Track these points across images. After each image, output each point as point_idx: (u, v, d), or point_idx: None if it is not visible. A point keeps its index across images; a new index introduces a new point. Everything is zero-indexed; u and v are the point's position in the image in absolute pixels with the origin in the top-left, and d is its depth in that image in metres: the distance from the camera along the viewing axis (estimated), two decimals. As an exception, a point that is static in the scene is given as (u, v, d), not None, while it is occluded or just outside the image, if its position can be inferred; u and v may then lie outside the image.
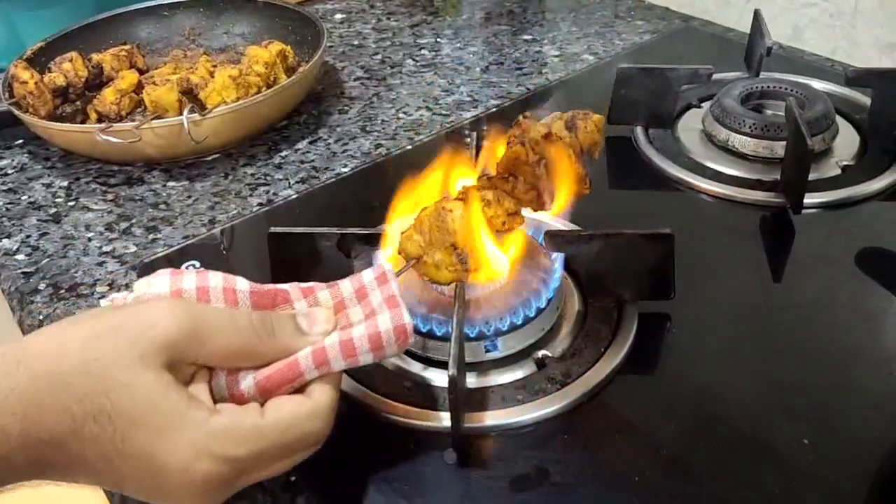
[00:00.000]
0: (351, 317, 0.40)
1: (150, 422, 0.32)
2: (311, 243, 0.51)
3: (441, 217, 0.44)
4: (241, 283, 0.39)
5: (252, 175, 0.70)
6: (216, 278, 0.39)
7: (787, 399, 0.45)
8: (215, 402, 0.35)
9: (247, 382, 0.36)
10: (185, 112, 0.65)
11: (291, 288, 0.40)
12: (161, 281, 0.38)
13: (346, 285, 0.41)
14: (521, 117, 0.51)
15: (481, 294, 0.48)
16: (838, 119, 0.67)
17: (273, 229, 0.51)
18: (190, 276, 0.39)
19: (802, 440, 0.42)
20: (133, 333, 0.33)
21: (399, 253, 0.45)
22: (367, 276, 0.41)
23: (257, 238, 0.61)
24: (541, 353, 0.48)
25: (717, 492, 0.40)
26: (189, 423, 0.33)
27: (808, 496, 0.40)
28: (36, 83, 0.72)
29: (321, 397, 0.37)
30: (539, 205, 0.47)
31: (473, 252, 0.44)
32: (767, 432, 0.43)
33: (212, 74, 0.74)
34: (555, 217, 0.55)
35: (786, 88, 0.68)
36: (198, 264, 0.58)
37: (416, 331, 0.47)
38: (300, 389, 0.37)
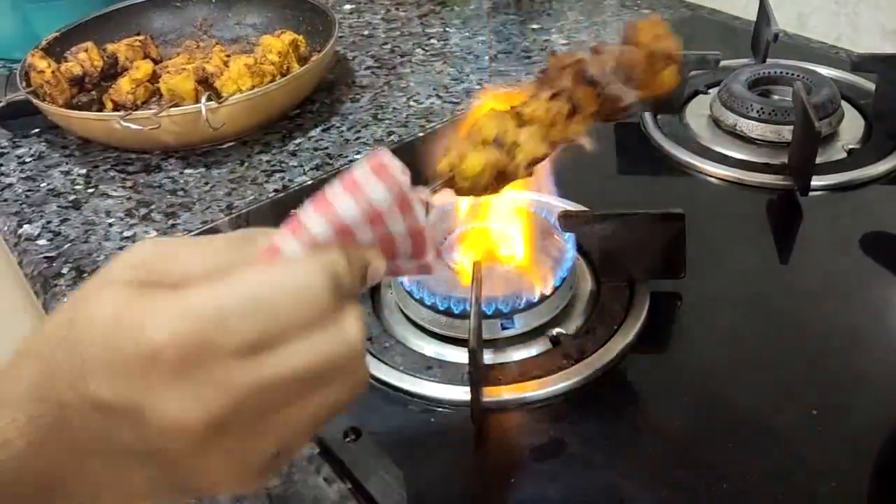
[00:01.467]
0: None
1: (107, 324, 0.26)
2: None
3: (472, 131, 0.39)
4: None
5: (267, 162, 0.71)
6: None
7: (794, 378, 0.46)
8: None
9: None
10: (203, 99, 0.66)
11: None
12: None
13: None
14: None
15: (498, 273, 0.49)
16: (843, 104, 0.68)
17: (295, 212, 0.52)
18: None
19: (810, 416, 0.43)
20: (109, 268, 0.28)
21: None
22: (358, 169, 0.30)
23: (276, 223, 0.62)
24: (555, 330, 0.49)
25: (726, 465, 0.42)
26: (147, 297, 0.26)
27: (812, 472, 0.41)
28: (53, 72, 0.73)
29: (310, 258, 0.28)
30: (618, 108, 0.41)
31: (513, 140, 0.39)
32: (774, 410, 0.44)
33: (226, 64, 0.76)
34: (562, 200, 0.56)
35: (792, 74, 0.69)
36: (217, 248, 0.59)
37: (435, 308, 0.49)
38: None
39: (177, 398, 0.25)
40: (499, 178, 0.39)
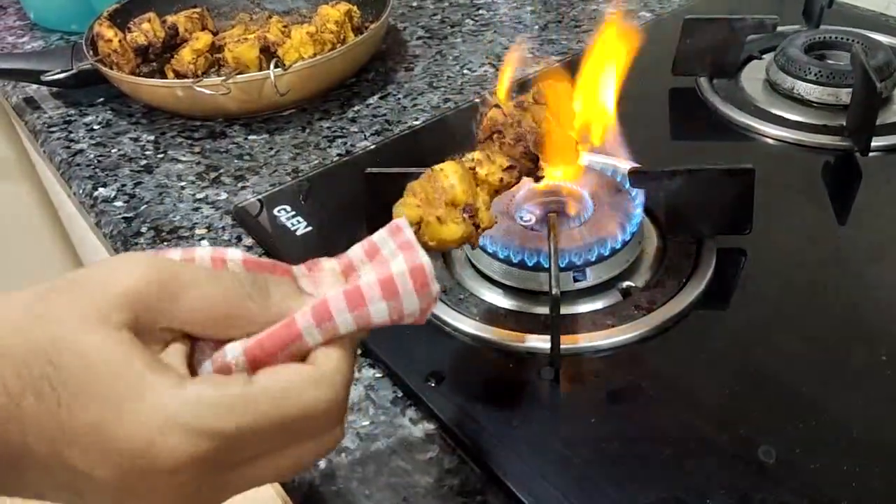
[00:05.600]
0: (361, 276, 0.32)
1: (102, 389, 0.25)
2: (403, 182, 0.54)
3: (433, 178, 0.42)
4: (233, 253, 0.32)
5: (328, 128, 0.73)
6: (203, 250, 0.32)
7: (853, 340, 0.47)
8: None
9: (234, 351, 0.29)
10: (272, 65, 0.68)
11: (294, 267, 0.33)
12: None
13: (355, 250, 0.34)
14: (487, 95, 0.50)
15: (569, 227, 0.51)
16: (898, 69, 0.68)
17: (369, 170, 0.54)
18: (174, 250, 0.32)
19: (876, 363, 0.45)
20: (88, 288, 0.27)
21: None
22: (378, 234, 0.34)
23: (341, 184, 0.64)
24: (625, 283, 0.51)
25: (789, 408, 0.43)
26: (154, 388, 0.26)
27: (863, 442, 0.42)
28: (120, 41, 0.75)
29: (327, 362, 0.29)
30: (530, 164, 0.45)
31: (482, 207, 0.42)
32: (834, 366, 0.46)
33: (284, 34, 0.77)
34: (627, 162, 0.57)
35: (848, 39, 0.70)
36: (289, 208, 0.61)
37: (509, 261, 0.50)
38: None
39: (160, 500, 0.27)
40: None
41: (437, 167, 0.42)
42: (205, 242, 0.38)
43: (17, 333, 0.26)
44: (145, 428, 0.25)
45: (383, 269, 0.31)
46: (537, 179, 0.46)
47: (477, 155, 0.44)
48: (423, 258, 0.31)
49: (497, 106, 0.45)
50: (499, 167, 0.44)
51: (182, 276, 0.28)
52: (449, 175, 0.41)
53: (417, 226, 0.40)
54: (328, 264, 0.33)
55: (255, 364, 0.29)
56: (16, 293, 0.27)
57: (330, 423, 0.29)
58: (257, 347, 0.29)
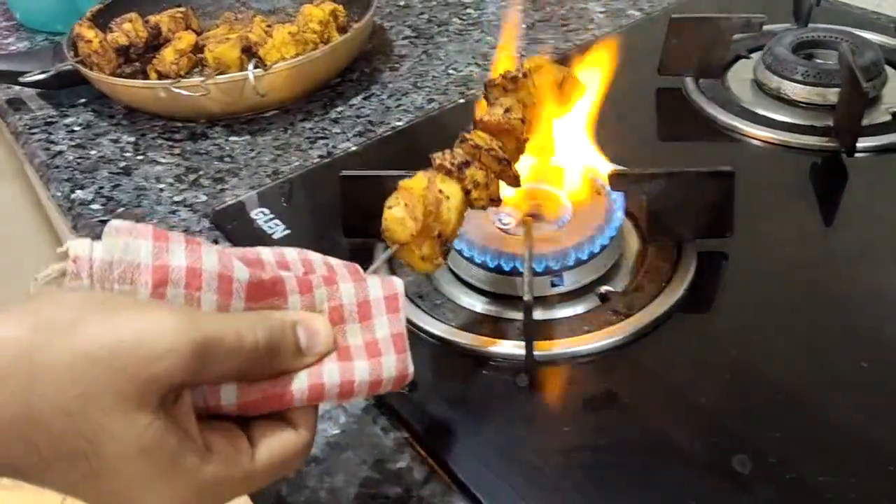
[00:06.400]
0: (348, 335, 0.35)
1: (135, 470, 0.28)
2: (380, 186, 0.53)
3: (438, 203, 0.41)
4: (240, 271, 0.32)
5: (310, 129, 0.72)
6: (211, 259, 0.31)
7: (837, 344, 0.46)
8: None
9: (228, 397, 0.31)
10: (251, 66, 0.67)
11: (288, 277, 0.34)
12: (142, 247, 0.30)
13: (347, 290, 0.35)
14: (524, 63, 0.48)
15: (547, 232, 0.50)
16: (887, 68, 0.67)
17: (344, 172, 0.53)
18: (179, 249, 0.30)
19: (857, 368, 0.44)
20: (127, 370, 0.27)
21: (382, 233, 0.41)
22: (374, 290, 0.35)
23: (321, 186, 0.64)
24: (604, 288, 0.50)
25: (773, 418, 0.42)
26: (179, 474, 0.28)
27: (851, 442, 0.41)
28: (100, 42, 0.74)
29: (308, 428, 0.33)
30: (512, 179, 0.46)
31: (452, 240, 0.43)
32: (816, 372, 0.45)
33: (267, 33, 0.76)
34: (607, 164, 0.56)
35: (836, 37, 0.69)
36: (267, 211, 0.60)
37: (485, 266, 0.50)
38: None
39: None
40: None
41: (443, 188, 0.42)
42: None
43: (53, 409, 0.26)
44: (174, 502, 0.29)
45: (376, 371, 0.34)
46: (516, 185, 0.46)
47: (479, 177, 0.43)
48: (411, 368, 0.35)
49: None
50: (488, 196, 0.44)
51: (218, 351, 0.29)
52: (451, 208, 0.41)
53: (400, 245, 0.40)
54: (318, 294, 0.34)
55: (244, 412, 0.32)
56: (45, 345, 0.26)
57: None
58: (251, 404, 0.32)
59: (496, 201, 0.45)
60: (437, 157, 0.43)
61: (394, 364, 0.34)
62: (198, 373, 0.28)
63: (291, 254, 0.36)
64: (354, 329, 0.35)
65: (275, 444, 0.32)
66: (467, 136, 0.44)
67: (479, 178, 0.43)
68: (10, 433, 0.26)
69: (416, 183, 0.41)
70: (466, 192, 0.43)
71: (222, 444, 0.30)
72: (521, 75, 0.46)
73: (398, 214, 0.40)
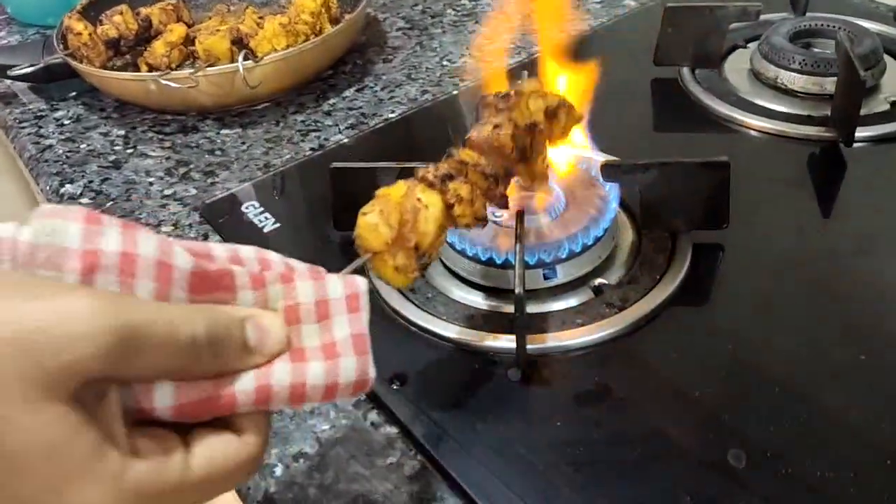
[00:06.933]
0: (304, 336, 0.31)
1: (45, 472, 0.24)
2: (371, 178, 0.52)
3: (415, 213, 0.38)
4: (181, 258, 0.29)
5: (302, 122, 0.71)
6: (149, 244, 0.28)
7: (835, 336, 0.46)
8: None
9: (163, 399, 0.27)
10: (240, 57, 0.66)
11: (239, 272, 0.31)
12: (71, 229, 0.27)
13: (305, 289, 0.32)
14: (519, 84, 0.46)
15: (540, 223, 0.49)
16: (885, 57, 0.67)
17: (335, 164, 0.52)
18: (112, 232, 0.27)
19: (855, 361, 0.43)
20: (40, 354, 0.23)
21: (355, 241, 0.38)
22: (335, 289, 0.32)
23: (313, 179, 0.63)
24: (597, 280, 0.49)
25: (769, 410, 0.42)
26: (99, 475, 0.25)
27: (844, 433, 0.40)
28: (90, 34, 0.74)
29: (256, 434, 0.29)
30: (499, 198, 0.44)
31: (432, 254, 0.39)
32: (812, 366, 0.44)
33: (259, 25, 0.76)
34: (601, 154, 0.55)
35: (834, 26, 0.68)
36: (258, 204, 0.60)
37: (477, 259, 0.49)
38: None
39: None
40: None
41: (421, 197, 0.39)
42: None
43: None
44: None
45: (333, 373, 0.30)
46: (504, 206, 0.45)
47: (463, 192, 0.40)
48: (372, 372, 0.31)
49: (511, 132, 0.42)
50: (473, 214, 0.41)
51: (144, 340, 0.25)
52: (429, 218, 0.38)
53: (372, 254, 0.38)
54: (273, 290, 0.31)
55: (180, 416, 0.28)
56: None
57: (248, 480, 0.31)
58: (188, 407, 0.28)
59: (482, 221, 0.42)
60: (421, 170, 0.41)
61: (353, 367, 0.31)
62: (120, 364, 0.25)
63: (247, 252, 0.33)
64: (311, 330, 0.31)
65: (215, 451, 0.28)
66: (454, 151, 0.42)
67: (463, 193, 0.40)
68: None
69: (395, 191, 0.39)
70: (449, 207, 0.40)
71: (151, 447, 0.27)
72: (513, 94, 0.44)
73: (371, 221, 0.37)
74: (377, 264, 0.38)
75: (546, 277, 0.49)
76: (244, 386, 0.29)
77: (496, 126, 0.42)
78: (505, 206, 0.45)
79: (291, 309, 0.31)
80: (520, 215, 0.47)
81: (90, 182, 0.65)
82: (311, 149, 0.67)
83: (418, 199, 0.38)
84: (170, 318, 0.27)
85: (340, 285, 0.32)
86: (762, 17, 0.70)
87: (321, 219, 0.55)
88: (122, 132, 0.72)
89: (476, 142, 0.42)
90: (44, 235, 0.26)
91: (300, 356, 0.30)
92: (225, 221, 0.59)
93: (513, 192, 0.48)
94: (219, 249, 0.32)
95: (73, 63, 0.73)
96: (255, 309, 0.30)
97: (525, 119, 0.43)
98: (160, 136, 0.71)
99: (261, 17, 0.79)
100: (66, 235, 0.26)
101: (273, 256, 0.33)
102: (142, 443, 0.27)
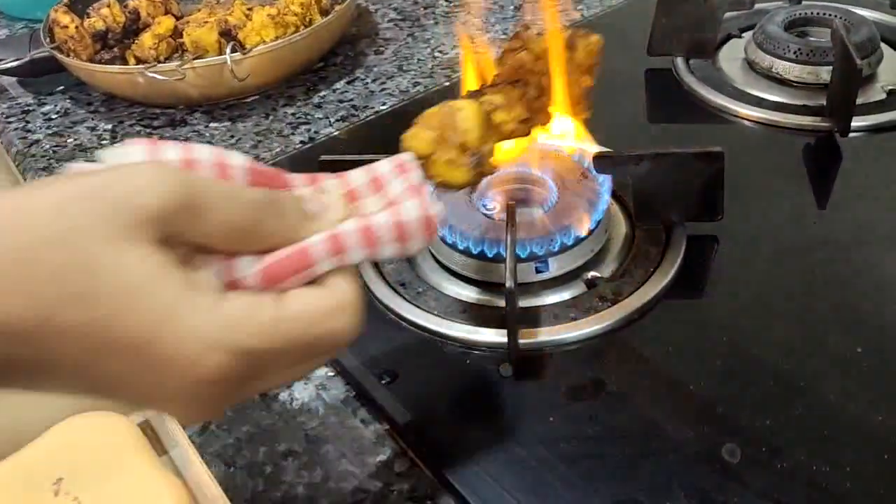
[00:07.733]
0: (367, 207, 0.34)
1: (146, 307, 0.26)
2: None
3: (451, 115, 0.39)
4: (236, 158, 0.32)
5: (292, 115, 0.70)
6: (204, 150, 0.31)
7: (832, 328, 0.45)
8: None
9: (247, 268, 0.30)
10: (228, 49, 0.65)
11: (292, 175, 0.34)
12: (136, 151, 0.30)
13: (357, 175, 0.34)
14: (521, 28, 0.47)
15: (532, 216, 0.49)
16: (882, 45, 0.66)
17: (324, 157, 0.52)
18: (172, 146, 0.31)
19: (852, 353, 0.43)
20: (115, 200, 0.26)
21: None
22: (384, 166, 0.35)
23: (303, 171, 0.62)
24: (590, 274, 0.49)
25: (764, 402, 0.41)
26: (195, 309, 0.26)
27: (843, 422, 0.40)
28: (77, 27, 0.73)
29: (345, 291, 0.30)
30: (544, 117, 0.44)
31: (488, 154, 0.39)
32: (808, 358, 0.43)
33: (247, 17, 0.75)
34: (594, 146, 0.55)
35: (830, 14, 0.67)
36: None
37: (468, 253, 0.48)
38: (311, 283, 0.31)
39: (187, 409, 0.29)
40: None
41: (455, 104, 0.39)
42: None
43: (48, 243, 0.25)
44: (188, 348, 0.26)
45: (397, 214, 0.32)
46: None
47: (497, 99, 0.41)
48: (434, 208, 0.32)
49: (525, 48, 0.43)
50: (515, 118, 0.41)
51: (208, 194, 0.27)
52: (468, 117, 0.38)
53: (425, 159, 0.38)
54: (330, 184, 0.34)
55: (267, 282, 0.30)
56: (34, 195, 0.26)
57: (347, 339, 0.30)
58: (272, 268, 0.30)
59: (528, 124, 0.41)
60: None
61: (415, 206, 0.32)
62: (190, 217, 0.27)
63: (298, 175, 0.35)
64: (372, 201, 0.34)
65: (307, 296, 0.29)
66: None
67: (497, 100, 0.40)
68: (6, 284, 0.24)
69: (430, 110, 0.39)
70: (487, 115, 0.40)
71: (242, 292, 0.28)
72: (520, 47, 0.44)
73: (412, 131, 0.38)
74: (433, 168, 0.38)
75: (538, 271, 0.48)
76: (317, 239, 0.30)
77: (513, 50, 0.43)
78: (546, 120, 0.44)
79: (350, 193, 0.34)
80: (511, 208, 0.47)
81: (77, 177, 0.64)
82: (301, 142, 0.66)
83: (450, 105, 0.39)
84: (230, 184, 0.30)
85: (388, 163, 0.35)
86: (757, 5, 0.70)
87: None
88: (110, 126, 0.71)
89: (503, 70, 0.43)
90: (115, 159, 0.30)
91: (364, 217, 0.32)
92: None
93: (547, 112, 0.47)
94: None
95: (60, 56, 0.72)
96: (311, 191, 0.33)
97: (541, 46, 0.44)
98: (148, 131, 0.70)
99: (249, 9, 0.78)
100: (134, 156, 0.30)
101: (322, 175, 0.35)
102: (232, 294, 0.28)
